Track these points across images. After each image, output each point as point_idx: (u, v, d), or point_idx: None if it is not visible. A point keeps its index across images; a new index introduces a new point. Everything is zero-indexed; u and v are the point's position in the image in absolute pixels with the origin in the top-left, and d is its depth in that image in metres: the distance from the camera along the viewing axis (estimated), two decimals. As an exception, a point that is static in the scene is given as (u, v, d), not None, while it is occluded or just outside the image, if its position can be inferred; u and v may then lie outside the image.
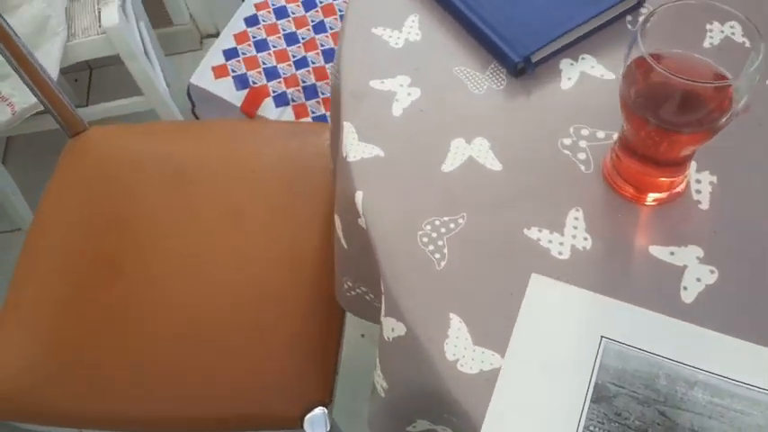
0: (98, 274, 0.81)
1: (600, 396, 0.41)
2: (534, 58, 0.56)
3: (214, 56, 1.36)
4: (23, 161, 1.52)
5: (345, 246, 0.60)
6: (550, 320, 0.44)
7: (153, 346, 0.76)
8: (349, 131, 0.55)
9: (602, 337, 0.43)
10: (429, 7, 0.61)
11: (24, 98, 1.04)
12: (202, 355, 0.75)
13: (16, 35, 0.84)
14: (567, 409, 0.41)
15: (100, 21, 1.05)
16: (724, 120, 0.40)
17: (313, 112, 1.37)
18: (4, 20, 0.83)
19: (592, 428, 0.40)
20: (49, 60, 1.00)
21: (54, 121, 0.92)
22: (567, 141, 0.52)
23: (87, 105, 1.59)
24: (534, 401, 0.42)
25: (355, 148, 0.54)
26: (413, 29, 0.60)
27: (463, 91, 0.56)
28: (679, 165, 0.47)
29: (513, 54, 0.55)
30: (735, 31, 0.52)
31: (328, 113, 1.38)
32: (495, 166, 0.52)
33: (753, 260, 0.46)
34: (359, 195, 0.52)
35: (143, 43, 1.22)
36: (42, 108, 0.92)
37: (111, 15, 1.05)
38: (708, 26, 0.53)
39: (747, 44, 0.43)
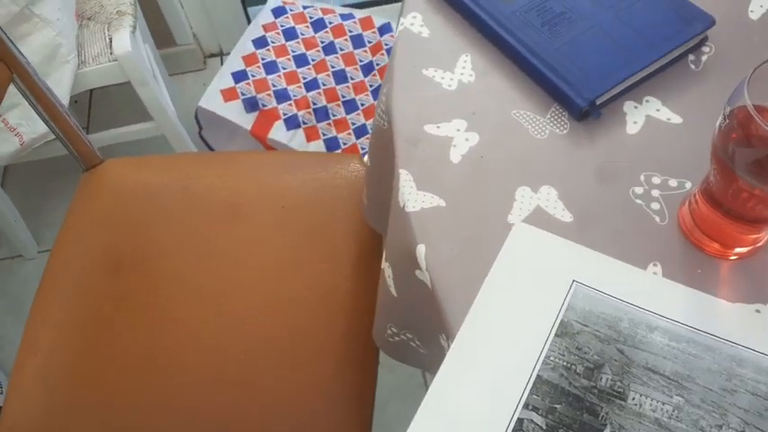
0: (118, 317, 0.77)
1: (564, 331, 0.44)
2: (598, 102, 0.54)
3: (223, 78, 1.33)
4: (23, 186, 1.47)
5: (395, 294, 0.58)
6: (527, 263, 0.47)
7: (177, 391, 0.73)
8: (406, 180, 0.52)
9: (573, 280, 0.46)
10: (480, 47, 0.59)
11: (33, 128, 1.00)
12: (231, 398, 0.71)
13: (28, 64, 0.81)
14: (532, 339, 0.44)
15: (111, 48, 1.01)
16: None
17: (324, 135, 1.34)
18: (17, 48, 0.79)
19: (553, 358, 0.43)
20: (60, 89, 0.97)
21: (61, 148, 0.88)
22: (639, 190, 0.50)
23: (88, 126, 1.55)
24: (503, 330, 0.44)
25: (414, 197, 0.51)
26: (466, 69, 0.58)
27: (524, 136, 0.54)
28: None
29: (578, 98, 0.53)
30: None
31: (341, 136, 1.35)
32: (566, 217, 0.49)
33: None
34: (421, 249, 0.49)
35: (151, 67, 1.18)
36: (51, 137, 0.89)
37: (122, 42, 1.01)
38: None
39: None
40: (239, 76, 1.34)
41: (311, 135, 1.33)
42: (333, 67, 1.38)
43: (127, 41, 1.01)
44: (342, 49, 1.40)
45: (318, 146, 1.33)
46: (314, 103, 1.34)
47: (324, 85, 1.36)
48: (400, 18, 0.63)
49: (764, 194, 0.41)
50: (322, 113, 1.34)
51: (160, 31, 1.48)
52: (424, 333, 0.59)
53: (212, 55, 1.65)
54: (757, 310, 0.45)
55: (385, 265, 0.57)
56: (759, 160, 0.40)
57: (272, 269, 0.79)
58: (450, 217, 0.50)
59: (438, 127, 0.55)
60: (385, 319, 0.64)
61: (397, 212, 0.53)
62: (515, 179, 0.52)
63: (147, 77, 1.05)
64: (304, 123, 1.33)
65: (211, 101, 1.31)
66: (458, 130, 0.54)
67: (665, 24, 0.56)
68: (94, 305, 0.78)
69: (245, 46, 1.38)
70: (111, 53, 1.01)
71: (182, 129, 1.20)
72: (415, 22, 0.61)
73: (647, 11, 0.57)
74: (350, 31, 1.41)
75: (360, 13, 1.44)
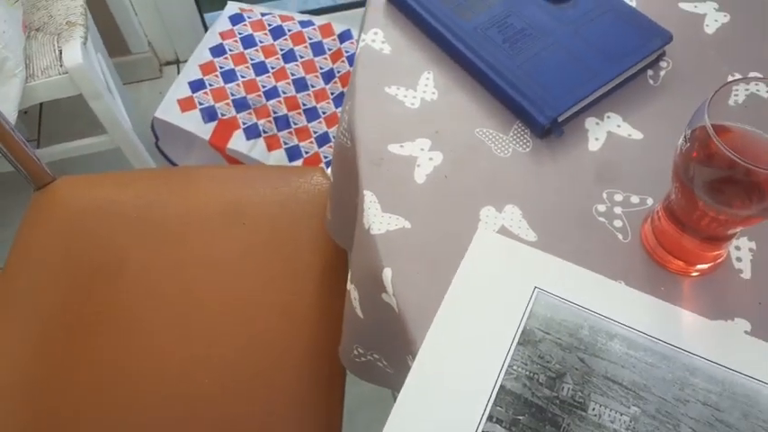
0: (78, 341, 0.75)
1: (527, 339, 0.44)
2: (560, 119, 0.54)
3: (179, 88, 1.30)
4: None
5: (361, 315, 0.57)
6: (490, 270, 0.47)
7: (142, 411, 0.70)
8: (371, 201, 0.51)
9: (535, 287, 0.46)
10: (442, 64, 0.59)
11: (-22, 144, 0.95)
12: (196, 415, 0.69)
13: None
14: (495, 348, 0.44)
15: (61, 60, 0.98)
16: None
17: (286, 144, 1.33)
18: (-41, 64, 0.76)
19: (516, 367, 0.43)
20: (7, 105, 0.93)
21: (9, 164, 0.84)
22: (602, 208, 0.51)
23: (39, 138, 1.50)
24: (466, 340, 0.44)
25: (379, 219, 0.50)
26: (428, 87, 0.57)
27: (488, 154, 0.54)
28: (729, 238, 0.45)
29: (540, 116, 0.53)
30: (759, 87, 0.52)
31: (302, 145, 1.33)
32: (530, 236, 0.49)
33: (802, 332, 0.45)
34: (387, 273, 0.48)
35: (104, 78, 1.14)
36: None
37: (73, 54, 0.98)
38: (734, 87, 0.52)
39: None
40: (196, 86, 1.31)
41: (272, 144, 1.31)
42: (293, 74, 1.36)
43: (78, 53, 0.98)
44: (302, 57, 1.38)
45: (280, 155, 1.31)
46: (274, 112, 1.32)
47: (284, 93, 1.34)
48: (361, 34, 0.62)
49: (724, 215, 0.41)
50: (283, 122, 1.33)
51: (113, 39, 1.44)
52: (392, 354, 0.58)
53: (168, 63, 1.61)
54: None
55: (350, 286, 0.56)
56: (718, 181, 0.40)
57: (235, 286, 0.77)
58: (416, 239, 0.50)
59: (402, 146, 0.54)
60: (351, 339, 0.63)
61: (362, 234, 0.52)
62: (480, 199, 0.51)
63: (99, 90, 1.02)
64: (264, 132, 1.31)
65: (168, 111, 1.28)
66: (422, 149, 0.54)
67: (624, 40, 0.57)
68: (51, 329, 0.75)
69: (202, 54, 1.35)
70: (61, 65, 0.98)
71: (138, 141, 1.17)
72: (377, 39, 0.61)
73: (607, 27, 0.58)
74: (310, 39, 1.40)
75: (319, 20, 1.42)
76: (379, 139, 0.54)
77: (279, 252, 0.78)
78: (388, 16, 0.62)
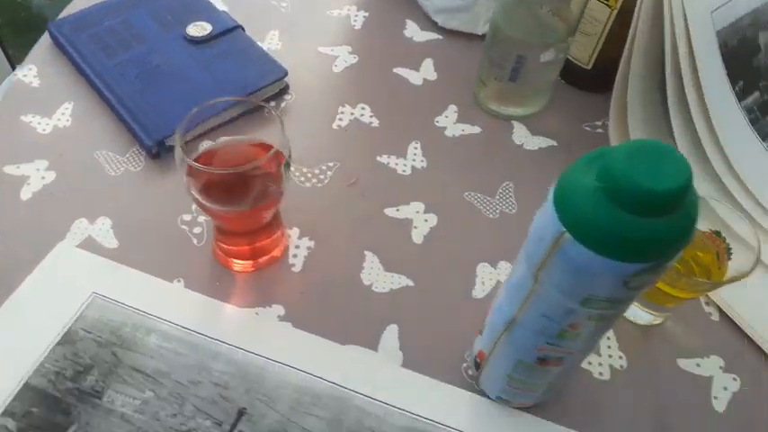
0: None
1: (67, 340, 0.48)
2: (171, 142, 0.59)
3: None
4: None
5: None
6: (55, 279, 0.51)
7: None
8: (-31, 219, 0.54)
9: (93, 292, 0.50)
10: (83, 96, 0.64)
11: None
12: None
13: None
14: (31, 349, 0.47)
15: None
16: (281, 186, 0.45)
17: None
18: None
19: (47, 365, 0.46)
20: None
21: None
22: (187, 217, 0.56)
23: None
24: (4, 344, 0.47)
25: (-29, 238, 0.53)
26: (64, 116, 0.62)
27: (99, 173, 0.58)
28: (268, 227, 0.51)
29: (146, 138, 0.58)
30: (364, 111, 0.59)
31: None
32: (112, 244, 0.53)
33: (333, 323, 0.50)
34: None
35: None
36: None
37: None
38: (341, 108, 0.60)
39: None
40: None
41: None
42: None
43: None
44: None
45: None
46: None
47: None
48: (16, 69, 0.66)
49: (232, 213, 0.47)
50: None
51: None
52: None
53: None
54: (256, 313, 0.50)
55: None
56: (215, 189, 0.46)
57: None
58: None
59: (18, 167, 0.58)
60: None
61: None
62: (76, 212, 0.55)
63: None
64: None
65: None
66: (37, 169, 0.58)
67: (245, 75, 0.64)
68: None
69: None
70: None
71: None
72: (29, 74, 0.66)
73: (233, 65, 0.65)
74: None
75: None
76: (-2, 162, 0.58)
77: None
78: (49, 54, 0.68)
